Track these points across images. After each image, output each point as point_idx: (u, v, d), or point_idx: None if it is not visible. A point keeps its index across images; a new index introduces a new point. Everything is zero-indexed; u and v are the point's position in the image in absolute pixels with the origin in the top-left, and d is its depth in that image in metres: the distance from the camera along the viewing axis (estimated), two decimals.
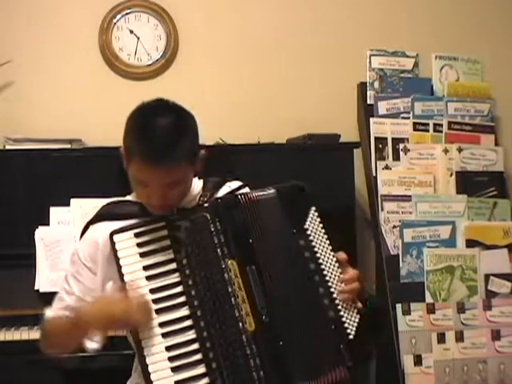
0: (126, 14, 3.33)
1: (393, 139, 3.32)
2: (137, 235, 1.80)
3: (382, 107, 3.36)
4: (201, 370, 1.74)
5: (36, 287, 2.72)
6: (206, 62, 3.33)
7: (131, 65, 3.34)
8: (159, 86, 3.35)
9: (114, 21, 3.31)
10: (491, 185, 3.32)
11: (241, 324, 1.76)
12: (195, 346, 1.75)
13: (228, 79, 3.36)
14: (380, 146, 3.32)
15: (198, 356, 1.74)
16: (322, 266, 1.88)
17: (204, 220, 1.81)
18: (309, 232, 1.90)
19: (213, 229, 1.80)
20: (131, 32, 3.34)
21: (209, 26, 3.39)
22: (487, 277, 3.13)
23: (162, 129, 1.79)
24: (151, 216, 1.85)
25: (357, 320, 1.87)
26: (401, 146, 3.28)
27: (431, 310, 3.05)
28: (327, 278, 1.87)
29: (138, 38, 3.34)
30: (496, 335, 3.09)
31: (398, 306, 3.02)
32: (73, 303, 1.85)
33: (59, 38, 3.29)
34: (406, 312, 3.02)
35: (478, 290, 3.11)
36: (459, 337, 3.05)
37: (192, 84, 3.33)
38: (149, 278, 1.78)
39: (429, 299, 3.07)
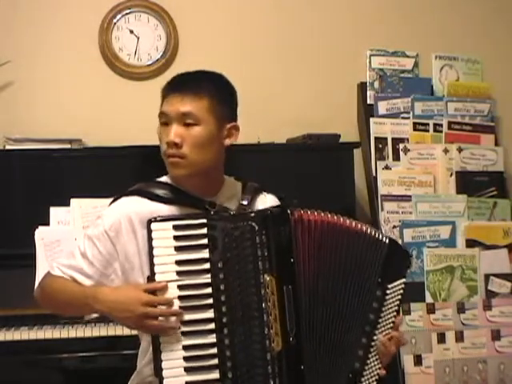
0: (126, 13, 3.33)
1: (393, 139, 3.32)
2: (175, 228, 1.74)
3: (382, 107, 3.36)
4: (215, 375, 1.71)
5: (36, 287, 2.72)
6: (206, 62, 3.29)
7: (131, 65, 3.34)
8: (159, 86, 3.31)
9: (114, 21, 3.31)
10: (491, 185, 3.32)
11: (268, 342, 1.73)
12: (213, 350, 1.71)
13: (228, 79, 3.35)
14: (380, 145, 3.32)
15: (215, 361, 1.71)
16: (379, 326, 1.86)
17: (251, 230, 1.75)
18: (388, 292, 1.88)
19: (258, 240, 1.75)
20: (131, 32, 3.34)
21: (209, 26, 3.39)
22: (487, 277, 3.13)
23: (195, 72, 1.95)
24: (193, 213, 1.81)
25: None
26: (401, 145, 3.28)
27: (431, 310, 3.05)
28: (375, 338, 1.85)
29: (138, 38, 3.34)
30: (496, 335, 3.09)
31: None
32: (83, 266, 1.82)
33: (59, 38, 3.29)
34: (406, 312, 3.02)
35: (478, 289, 3.11)
36: (459, 337, 3.05)
37: None
38: (180, 273, 1.73)
39: (429, 299, 3.06)
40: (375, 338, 1.85)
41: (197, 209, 1.83)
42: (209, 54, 3.36)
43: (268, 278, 1.74)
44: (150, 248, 1.74)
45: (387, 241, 1.90)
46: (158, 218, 1.76)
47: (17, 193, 2.95)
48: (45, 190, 2.91)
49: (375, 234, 1.89)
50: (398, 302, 1.89)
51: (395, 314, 1.88)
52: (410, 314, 3.02)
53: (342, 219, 1.86)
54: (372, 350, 1.85)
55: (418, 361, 3.00)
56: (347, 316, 1.84)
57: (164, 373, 1.70)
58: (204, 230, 1.76)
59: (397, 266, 1.92)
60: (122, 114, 3.29)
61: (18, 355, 2.61)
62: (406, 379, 2.98)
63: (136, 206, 1.84)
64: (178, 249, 1.74)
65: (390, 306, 1.88)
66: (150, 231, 1.74)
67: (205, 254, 1.75)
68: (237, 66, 3.36)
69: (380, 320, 1.86)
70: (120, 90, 3.33)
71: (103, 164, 2.97)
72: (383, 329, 1.86)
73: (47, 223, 2.84)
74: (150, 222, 1.75)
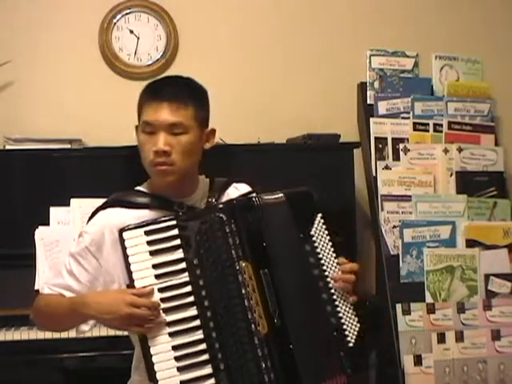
0: (126, 13, 3.33)
1: (393, 139, 3.32)
2: (147, 233, 1.78)
3: (382, 107, 3.37)
4: (208, 370, 1.74)
5: (36, 287, 2.72)
6: (206, 62, 3.32)
7: (131, 65, 3.34)
8: None
9: (114, 21, 3.31)
10: (491, 185, 3.32)
11: (253, 326, 1.76)
12: (203, 346, 1.75)
13: (228, 79, 3.36)
14: (380, 145, 3.32)
15: (206, 356, 1.74)
16: (326, 273, 1.89)
17: (219, 221, 1.80)
18: (314, 238, 1.90)
19: (228, 230, 1.79)
20: (131, 32, 3.34)
21: (209, 26, 3.39)
22: (487, 277, 3.13)
23: (175, 80, 1.96)
24: (163, 217, 1.84)
25: (357, 329, 1.88)
26: (401, 146, 3.28)
27: (431, 309, 3.05)
28: (330, 285, 1.89)
29: (138, 38, 3.34)
30: (496, 335, 3.09)
31: (398, 306, 3.02)
32: (71, 284, 1.86)
33: (59, 38, 3.29)
34: (406, 312, 3.02)
35: (478, 289, 3.11)
36: (459, 337, 3.05)
37: None
38: (158, 276, 1.77)
39: (429, 299, 3.06)
40: (330, 285, 1.88)
41: (167, 211, 1.87)
42: (209, 54, 3.37)
43: (244, 265, 1.78)
44: (125, 256, 1.77)
45: (282, 195, 1.92)
46: (129, 227, 1.78)
47: (17, 193, 2.95)
48: (45, 190, 2.91)
49: (276, 197, 1.91)
50: (327, 238, 1.91)
51: (332, 250, 1.90)
52: (409, 314, 3.02)
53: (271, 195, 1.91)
54: (335, 297, 1.88)
55: (417, 361, 3.00)
56: (305, 283, 1.88)
57: (158, 375, 1.72)
58: (175, 231, 1.80)
59: (304, 210, 1.93)
60: (122, 114, 3.27)
61: (18, 355, 2.61)
62: (406, 379, 2.98)
63: (113, 218, 1.87)
64: (152, 253, 1.78)
65: (323, 249, 1.90)
66: (122, 240, 1.77)
67: (179, 254, 1.79)
68: (237, 66, 3.37)
69: (324, 268, 1.89)
70: (120, 89, 3.33)
71: (103, 164, 2.97)
72: (332, 272, 1.89)
73: (47, 223, 2.84)
74: (121, 231, 1.78)
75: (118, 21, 3.32)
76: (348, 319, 1.88)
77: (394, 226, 3.16)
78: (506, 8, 3.61)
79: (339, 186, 3.11)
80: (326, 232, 1.92)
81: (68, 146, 3.06)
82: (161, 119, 1.84)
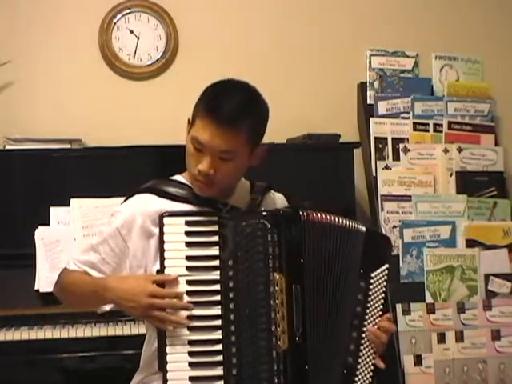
0: (126, 13, 3.33)
1: (393, 139, 3.32)
2: (187, 223, 1.76)
3: (382, 107, 3.37)
4: (219, 372, 1.72)
5: (36, 287, 2.72)
6: (206, 62, 3.32)
7: (131, 65, 3.34)
8: (159, 85, 3.35)
9: (114, 21, 3.31)
10: (491, 185, 3.32)
11: (274, 339, 1.73)
12: (219, 347, 1.72)
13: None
14: (380, 146, 3.32)
15: (220, 358, 1.72)
16: (366, 317, 1.86)
17: (263, 227, 1.76)
18: (372, 281, 1.87)
19: (269, 238, 1.75)
20: (131, 32, 3.33)
21: (209, 26, 3.39)
22: (487, 277, 3.13)
23: (235, 98, 1.80)
24: (206, 210, 1.81)
25: (367, 382, 1.85)
26: (401, 145, 3.28)
27: (431, 309, 3.05)
28: (364, 329, 1.85)
29: (138, 38, 3.34)
30: (496, 335, 3.09)
31: (398, 306, 3.02)
32: (97, 263, 1.84)
33: (59, 38, 3.29)
34: (406, 312, 3.02)
35: (478, 289, 3.11)
36: (459, 337, 3.05)
37: (192, 84, 3.30)
38: (189, 268, 1.74)
39: (429, 299, 3.06)
40: (364, 329, 1.84)
41: (210, 208, 1.84)
42: (209, 54, 3.37)
43: (277, 277, 1.75)
44: (161, 242, 1.75)
45: (364, 229, 1.89)
46: (171, 213, 1.77)
47: (17, 193, 2.95)
48: (45, 190, 2.91)
49: (353, 225, 1.88)
50: (383, 289, 1.88)
51: (382, 301, 1.87)
52: (409, 314, 3.02)
53: (331, 216, 1.86)
54: (363, 341, 1.84)
55: (417, 361, 3.00)
56: (339, 313, 1.84)
57: (168, 366, 1.71)
58: (215, 228, 1.77)
59: (377, 253, 1.90)
60: (121, 114, 3.29)
61: (18, 355, 2.61)
62: (406, 379, 2.98)
63: (149, 204, 1.84)
64: (188, 244, 1.76)
65: (375, 295, 1.87)
66: (162, 225, 1.76)
67: (215, 251, 1.76)
68: (236, 66, 3.36)
69: (367, 311, 1.86)
70: (120, 89, 3.33)
71: (103, 164, 2.97)
72: (371, 319, 1.86)
73: (47, 223, 2.84)
74: (162, 216, 1.76)
75: (118, 21, 3.32)
76: (363, 367, 1.85)
77: (394, 226, 3.16)
78: (506, 8, 3.62)
79: (339, 186, 3.12)
80: (385, 283, 1.88)
81: (68, 146, 3.05)
82: (212, 144, 1.75)
